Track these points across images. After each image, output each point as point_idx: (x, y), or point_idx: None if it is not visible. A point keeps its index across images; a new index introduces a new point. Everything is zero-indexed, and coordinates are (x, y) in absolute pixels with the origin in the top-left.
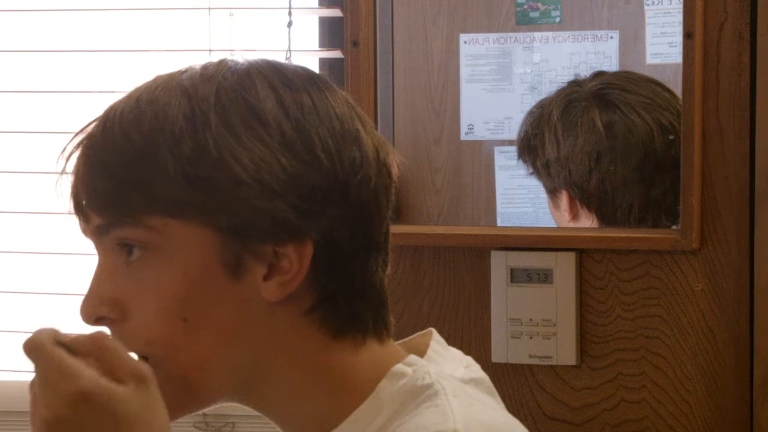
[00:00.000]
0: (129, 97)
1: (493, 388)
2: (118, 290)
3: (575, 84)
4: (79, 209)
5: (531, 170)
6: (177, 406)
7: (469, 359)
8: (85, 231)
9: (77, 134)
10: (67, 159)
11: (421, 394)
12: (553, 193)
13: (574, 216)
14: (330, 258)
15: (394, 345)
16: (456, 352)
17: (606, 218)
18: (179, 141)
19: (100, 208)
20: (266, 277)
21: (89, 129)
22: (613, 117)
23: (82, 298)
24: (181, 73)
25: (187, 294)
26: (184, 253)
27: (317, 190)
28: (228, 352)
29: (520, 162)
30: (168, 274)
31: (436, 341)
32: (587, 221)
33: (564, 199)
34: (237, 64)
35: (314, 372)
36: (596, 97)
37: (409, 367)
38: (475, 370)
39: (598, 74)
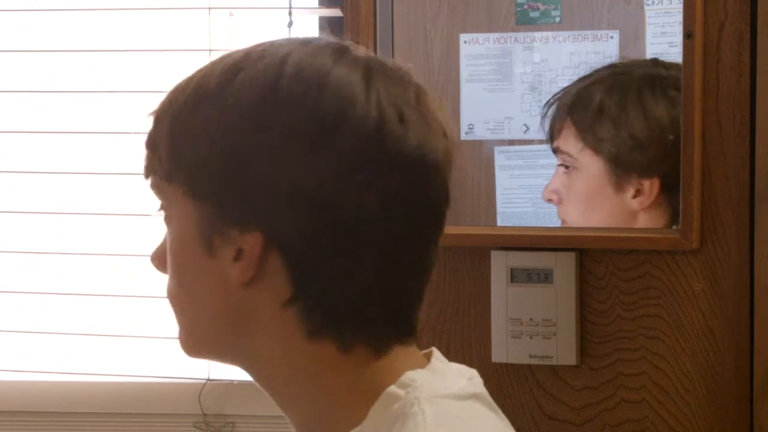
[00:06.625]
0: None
1: (494, 403)
2: (161, 246)
3: (656, 65)
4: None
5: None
6: (187, 348)
7: (473, 372)
8: None
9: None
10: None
11: (406, 421)
12: (640, 175)
13: (651, 204)
14: (298, 253)
15: (396, 359)
16: (459, 366)
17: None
18: (179, 112)
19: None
20: (236, 258)
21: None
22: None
23: None
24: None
25: (180, 260)
26: (177, 220)
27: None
28: (210, 325)
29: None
30: (171, 238)
31: (437, 358)
32: (656, 214)
33: (655, 185)
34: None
35: (298, 369)
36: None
37: (402, 390)
38: (477, 384)
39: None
